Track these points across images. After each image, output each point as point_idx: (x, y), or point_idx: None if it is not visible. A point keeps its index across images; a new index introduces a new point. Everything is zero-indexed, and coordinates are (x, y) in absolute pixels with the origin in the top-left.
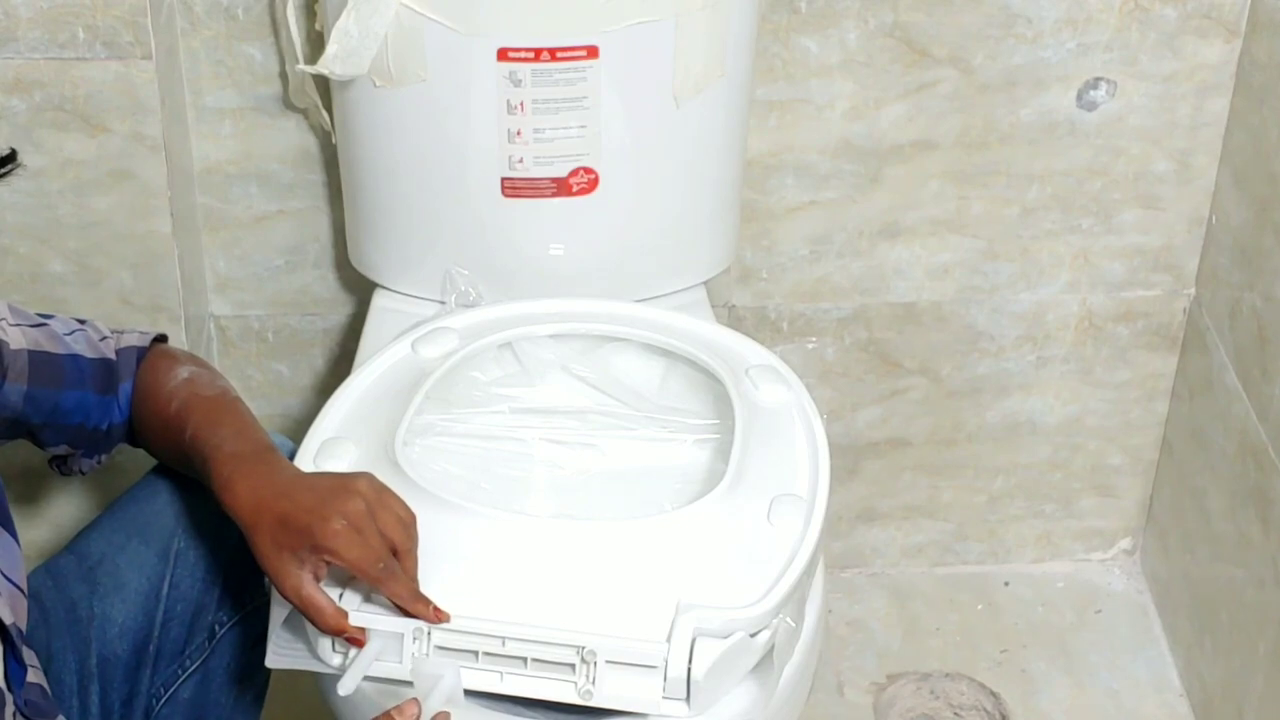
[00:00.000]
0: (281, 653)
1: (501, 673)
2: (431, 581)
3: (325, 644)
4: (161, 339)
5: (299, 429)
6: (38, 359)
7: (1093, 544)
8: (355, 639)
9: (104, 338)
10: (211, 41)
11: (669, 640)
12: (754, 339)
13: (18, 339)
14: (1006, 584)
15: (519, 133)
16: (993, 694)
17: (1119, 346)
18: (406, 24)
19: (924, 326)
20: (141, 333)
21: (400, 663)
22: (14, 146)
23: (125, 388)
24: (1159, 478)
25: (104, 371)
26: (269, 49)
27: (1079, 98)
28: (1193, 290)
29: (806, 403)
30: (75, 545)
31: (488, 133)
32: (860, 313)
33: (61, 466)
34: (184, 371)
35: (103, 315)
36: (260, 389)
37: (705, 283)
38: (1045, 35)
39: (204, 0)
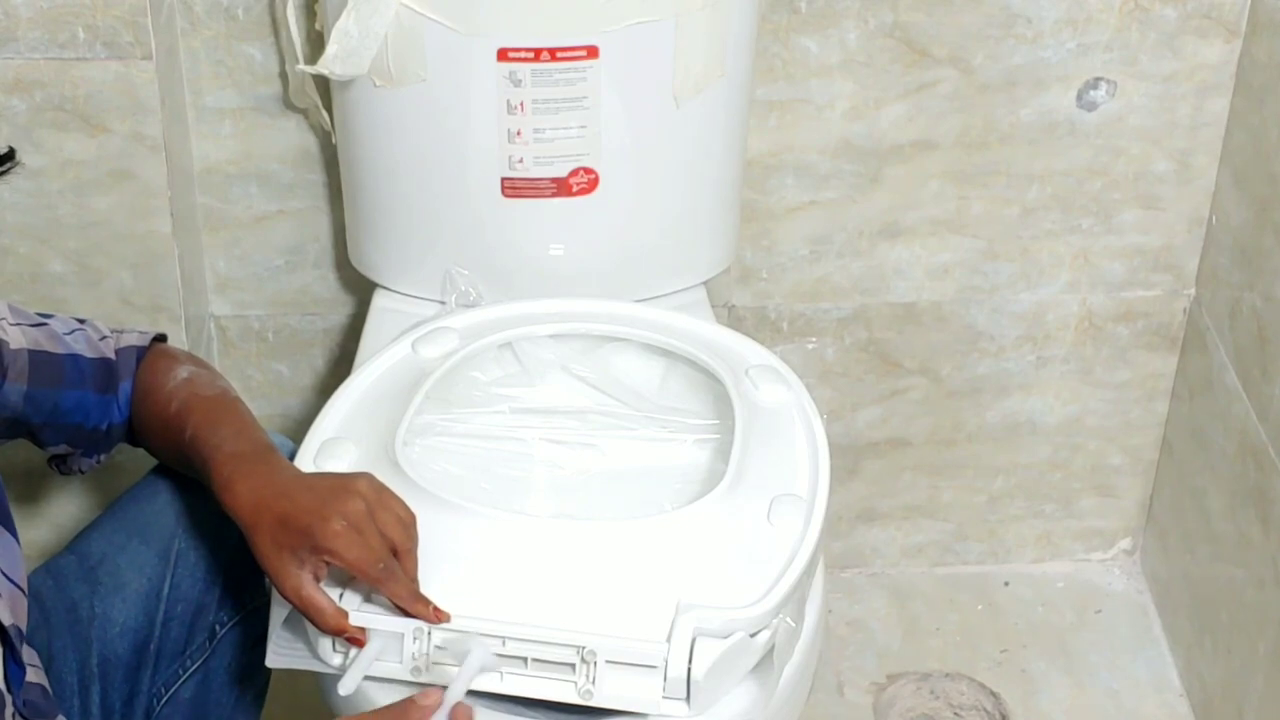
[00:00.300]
0: (282, 653)
1: (501, 673)
2: (431, 581)
3: (325, 644)
4: (161, 339)
5: (299, 429)
6: (38, 359)
7: (1093, 544)
8: (355, 639)
9: (104, 337)
10: (211, 41)
11: (669, 640)
12: (754, 339)
13: (18, 339)
14: (1006, 584)
15: (519, 133)
16: (993, 694)
17: (1119, 346)
18: (406, 24)
19: (924, 326)
20: (141, 332)
21: (400, 663)
22: (13, 146)
23: (125, 387)
24: (1159, 478)
25: (104, 371)
26: (269, 49)
27: (1079, 98)
28: (1193, 290)
29: (806, 403)
30: (76, 545)
31: (488, 133)
32: (860, 313)
33: (61, 466)
34: (183, 371)
35: (103, 315)
36: (260, 389)
37: (705, 283)
38: (1045, 35)
39: (204, 0)
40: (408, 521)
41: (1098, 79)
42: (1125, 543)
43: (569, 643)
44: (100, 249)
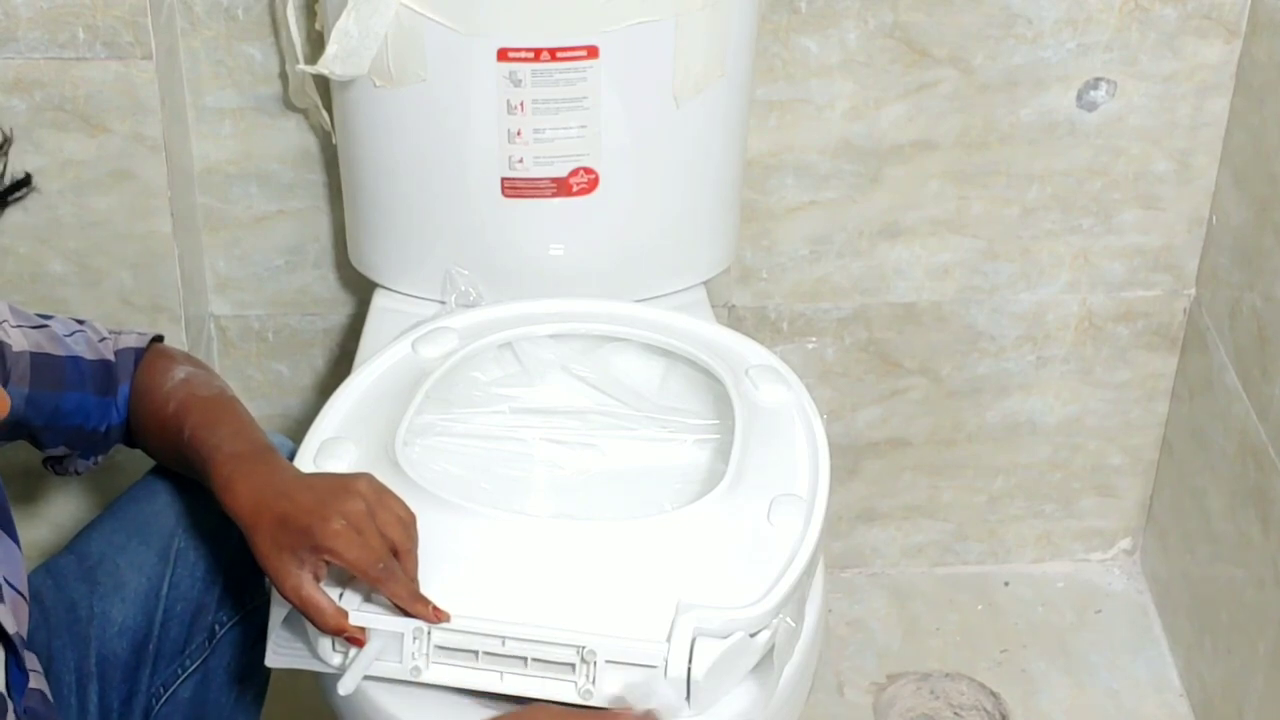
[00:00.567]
0: (281, 652)
1: (501, 673)
2: (431, 581)
3: (325, 644)
4: (158, 340)
5: (299, 429)
6: (39, 361)
7: (1093, 544)
8: (355, 639)
9: (103, 339)
10: (211, 41)
11: (669, 640)
12: (754, 339)
13: (20, 341)
14: (1006, 584)
15: (519, 133)
16: (993, 694)
17: (1119, 346)
18: (406, 24)
19: (924, 326)
20: (139, 334)
21: (400, 662)
22: (29, 171)
23: (124, 389)
24: (1159, 478)
25: (104, 373)
26: (269, 49)
27: (1079, 98)
28: (1193, 290)
29: (806, 403)
30: (75, 545)
31: (488, 133)
32: (860, 313)
33: (56, 466)
34: (181, 372)
35: (103, 315)
36: (260, 389)
37: (705, 283)
38: (1045, 35)
39: (204, 0)
40: (408, 521)
41: (1098, 79)
42: (1125, 543)
43: (569, 643)
44: (100, 249)
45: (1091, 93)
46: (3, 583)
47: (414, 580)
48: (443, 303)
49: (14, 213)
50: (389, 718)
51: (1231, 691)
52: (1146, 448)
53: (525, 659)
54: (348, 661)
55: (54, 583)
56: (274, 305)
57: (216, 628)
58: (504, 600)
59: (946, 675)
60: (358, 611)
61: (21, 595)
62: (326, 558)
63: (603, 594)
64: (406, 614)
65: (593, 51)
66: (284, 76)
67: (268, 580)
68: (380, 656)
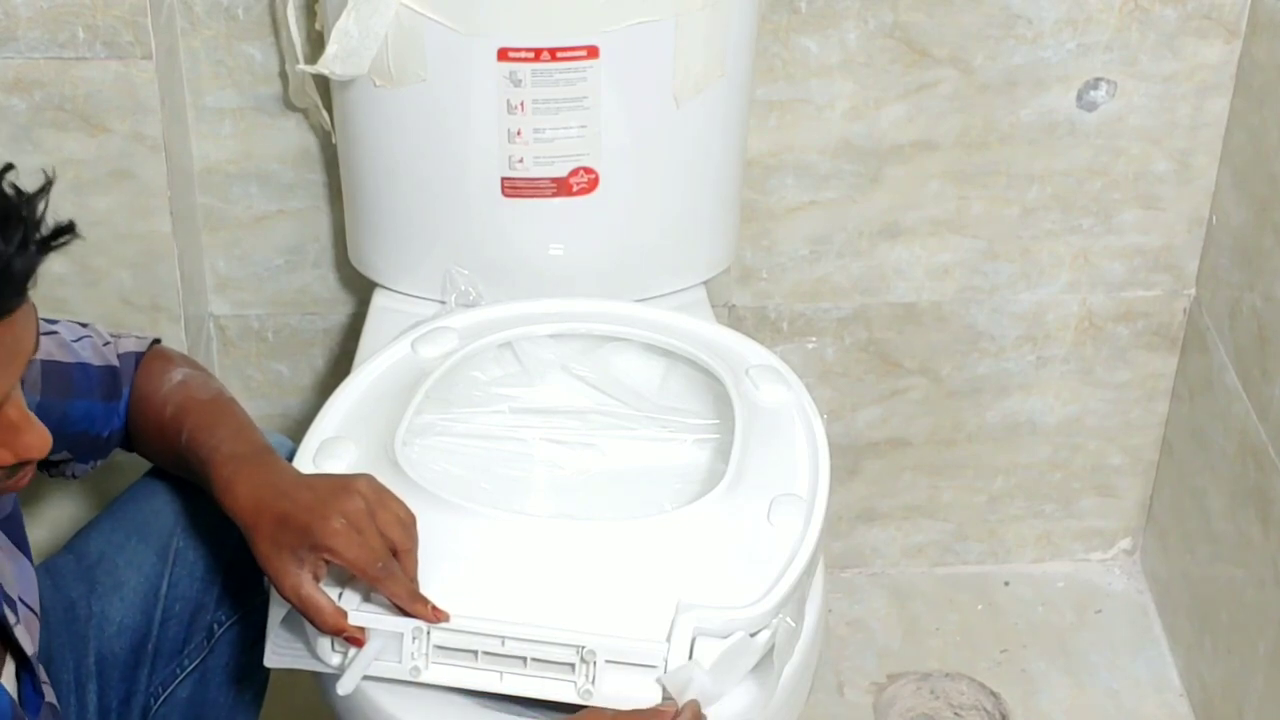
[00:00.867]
0: (280, 652)
1: (501, 673)
2: (431, 581)
3: (324, 643)
4: (156, 342)
5: (299, 429)
6: (49, 369)
7: (1093, 544)
8: (354, 638)
9: (106, 343)
10: (211, 41)
11: (669, 640)
12: (754, 339)
13: None
14: (1006, 584)
15: (519, 133)
16: (993, 694)
17: (1119, 346)
18: (406, 24)
19: (924, 326)
20: (139, 337)
21: (399, 662)
22: (73, 220)
23: (125, 394)
24: (1159, 478)
25: (109, 379)
26: (269, 49)
27: (1079, 98)
28: (1193, 290)
29: (806, 403)
30: (74, 544)
31: (488, 133)
32: (860, 313)
33: (52, 470)
34: (178, 374)
35: (102, 315)
36: (260, 389)
37: (705, 283)
38: (1045, 35)
39: (204, 0)
40: (407, 522)
41: (1098, 79)
42: (1125, 543)
43: (569, 643)
44: (100, 249)
45: (1091, 93)
46: (18, 601)
47: (413, 580)
48: (442, 302)
49: None
50: (388, 718)
51: (1231, 691)
52: (1146, 448)
53: (525, 659)
54: (347, 661)
55: (53, 582)
56: (274, 305)
57: (215, 627)
58: (503, 600)
59: (946, 675)
60: (357, 611)
61: (34, 613)
62: (326, 557)
63: (602, 594)
64: (406, 614)
65: (593, 51)
66: (284, 76)
67: (267, 580)
68: (379, 656)
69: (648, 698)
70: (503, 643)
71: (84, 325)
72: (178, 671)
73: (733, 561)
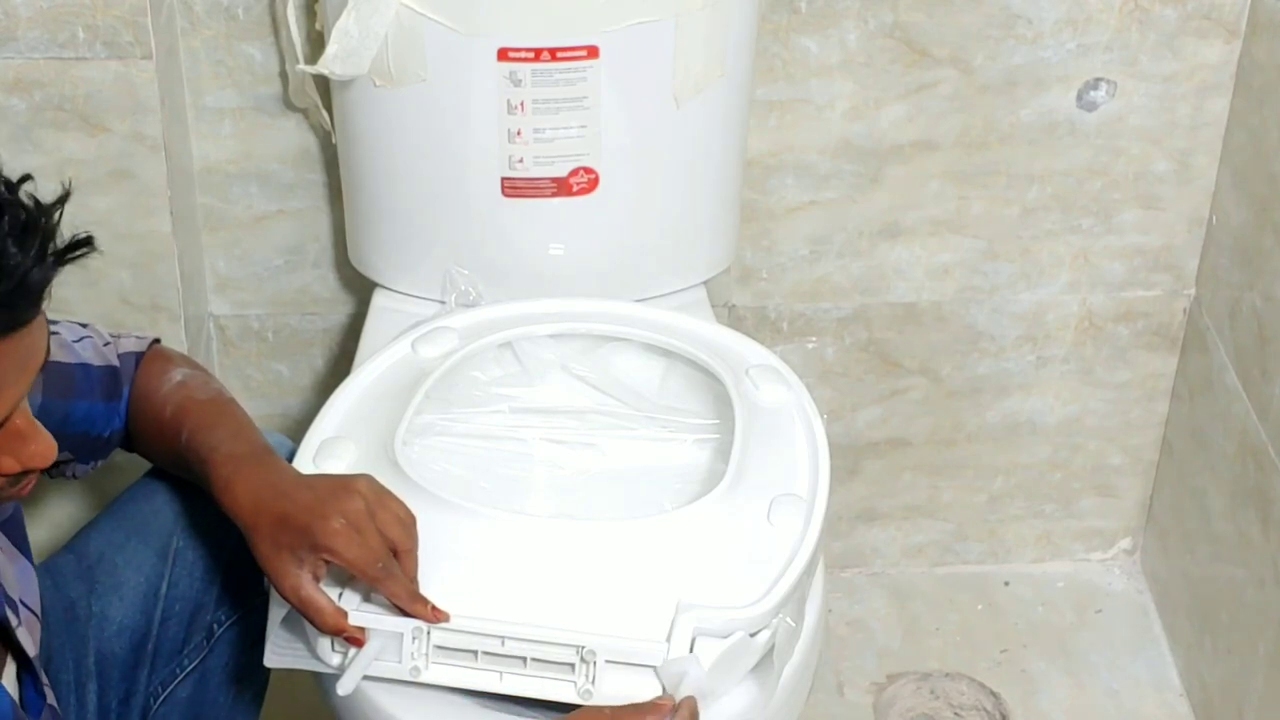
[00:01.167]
0: (280, 652)
1: (501, 673)
2: (431, 581)
3: (324, 643)
4: (155, 342)
5: (299, 429)
6: (51, 370)
7: (1093, 544)
8: (354, 639)
9: (106, 343)
10: (211, 41)
11: (669, 640)
12: (754, 339)
13: None
14: (1006, 584)
15: (519, 133)
16: (993, 694)
17: (1119, 346)
18: (406, 24)
19: (924, 326)
20: (138, 337)
21: (399, 662)
22: (91, 234)
23: (126, 393)
24: (1159, 478)
25: (110, 379)
26: (269, 49)
27: (1079, 98)
28: (1193, 290)
29: (806, 403)
30: (74, 544)
31: (488, 133)
32: (860, 313)
33: (53, 470)
34: (177, 375)
35: (102, 315)
36: (260, 389)
37: (705, 283)
38: (1045, 35)
39: (204, 0)
40: (407, 522)
41: (1098, 79)
42: (1125, 543)
43: (569, 643)
44: (99, 249)
45: (1091, 93)
46: (19, 604)
47: (413, 580)
48: (442, 302)
49: None
50: (388, 718)
51: (1231, 691)
52: (1146, 448)
53: (525, 659)
54: (347, 662)
55: (53, 582)
56: (274, 305)
57: (215, 627)
58: (503, 600)
59: (946, 675)
60: (357, 611)
61: (35, 615)
62: (326, 557)
63: (602, 594)
64: (406, 614)
65: (593, 51)
66: (284, 76)
67: (267, 580)
68: (379, 656)
69: (647, 698)
70: (503, 643)
71: (84, 325)
72: (177, 671)
73: (733, 561)
